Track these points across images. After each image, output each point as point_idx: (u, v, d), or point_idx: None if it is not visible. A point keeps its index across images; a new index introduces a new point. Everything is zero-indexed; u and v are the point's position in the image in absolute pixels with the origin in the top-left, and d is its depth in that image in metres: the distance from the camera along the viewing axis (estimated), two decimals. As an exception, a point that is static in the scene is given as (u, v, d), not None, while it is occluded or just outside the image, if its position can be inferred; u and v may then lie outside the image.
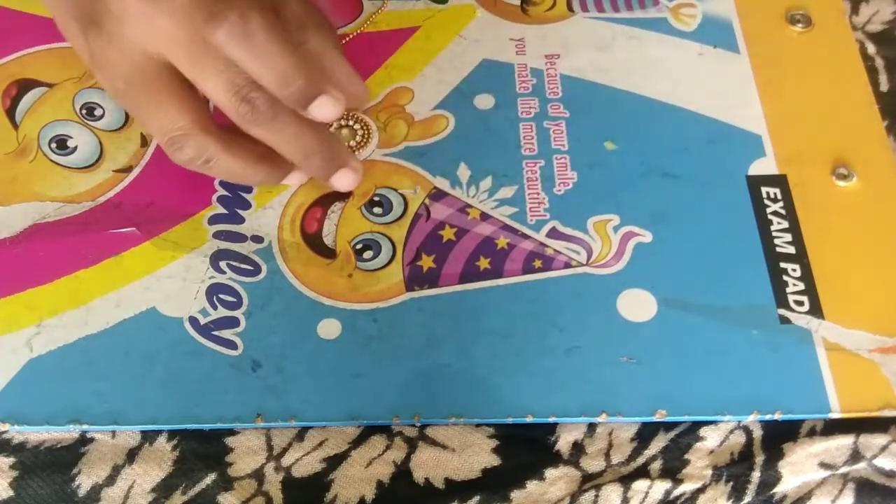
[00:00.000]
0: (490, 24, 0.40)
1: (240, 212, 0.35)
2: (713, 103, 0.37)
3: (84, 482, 0.30)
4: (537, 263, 0.34)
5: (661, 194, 0.35)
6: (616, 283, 0.33)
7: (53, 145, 0.37)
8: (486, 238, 0.34)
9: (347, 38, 0.40)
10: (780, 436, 0.31)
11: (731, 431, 0.31)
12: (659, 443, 0.31)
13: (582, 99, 0.38)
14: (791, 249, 0.34)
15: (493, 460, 0.31)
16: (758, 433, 0.31)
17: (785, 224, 0.34)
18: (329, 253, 0.34)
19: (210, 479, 0.31)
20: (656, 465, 0.31)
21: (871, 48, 0.40)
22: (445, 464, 0.31)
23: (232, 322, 0.32)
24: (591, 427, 0.31)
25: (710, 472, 0.31)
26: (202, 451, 0.31)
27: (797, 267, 0.33)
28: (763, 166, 0.36)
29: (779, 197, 0.35)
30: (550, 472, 0.31)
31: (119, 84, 0.30)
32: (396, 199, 0.35)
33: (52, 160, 0.36)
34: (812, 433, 0.31)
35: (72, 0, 0.30)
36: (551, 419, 0.31)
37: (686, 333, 0.32)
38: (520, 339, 0.32)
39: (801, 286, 0.33)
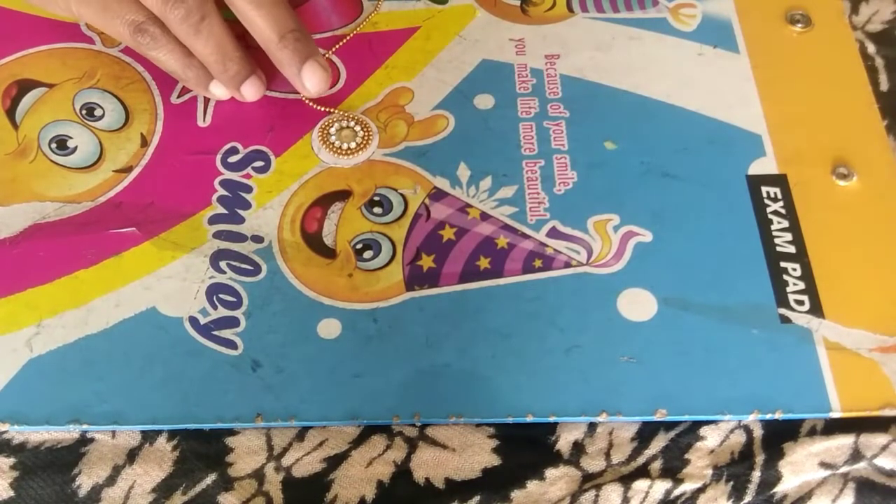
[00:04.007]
0: (490, 25, 0.40)
1: (240, 212, 0.35)
2: (713, 103, 0.37)
3: (84, 482, 0.30)
4: (537, 263, 0.34)
5: (661, 194, 0.35)
6: (616, 282, 0.33)
7: (53, 145, 0.37)
8: (486, 238, 0.34)
9: (346, 40, 0.40)
10: (780, 435, 0.31)
11: (732, 431, 0.31)
12: (659, 442, 0.31)
13: (582, 99, 0.38)
14: (791, 249, 0.34)
15: (494, 460, 0.31)
16: (758, 433, 0.31)
17: (785, 223, 0.34)
18: (329, 253, 0.34)
19: (210, 479, 0.31)
20: (656, 465, 0.31)
21: (871, 48, 0.40)
22: (446, 464, 0.31)
23: (232, 322, 0.32)
24: (592, 427, 0.31)
25: (710, 471, 0.31)
26: (202, 451, 0.31)
27: (797, 266, 0.33)
28: (763, 166, 0.36)
29: (779, 196, 0.35)
30: (551, 472, 0.31)
31: None
32: (396, 198, 0.35)
33: (52, 160, 0.36)
34: (812, 433, 0.31)
35: None
36: (551, 419, 0.31)
37: (686, 333, 0.32)
38: (520, 339, 0.32)
39: (802, 285, 0.33)
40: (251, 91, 0.37)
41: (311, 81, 0.36)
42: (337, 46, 0.39)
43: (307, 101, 0.38)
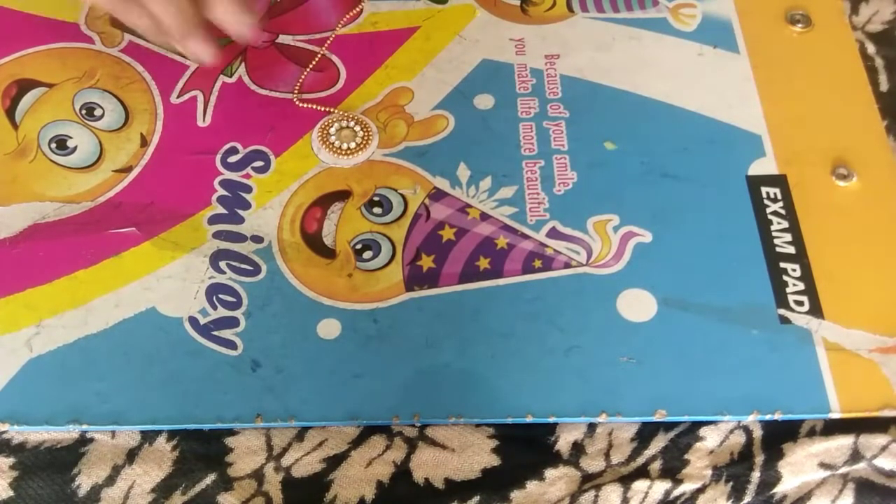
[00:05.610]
0: (490, 25, 0.40)
1: (239, 212, 0.35)
2: (713, 103, 0.37)
3: (84, 482, 0.30)
4: (537, 263, 0.34)
5: (661, 194, 0.35)
6: (616, 283, 0.33)
7: (53, 145, 0.37)
8: (486, 238, 0.34)
9: (333, 36, 0.39)
10: (780, 436, 0.31)
11: (731, 431, 0.31)
12: (659, 443, 0.31)
13: (582, 99, 0.38)
14: (791, 249, 0.34)
15: (493, 460, 0.31)
16: (758, 433, 0.31)
17: (785, 224, 0.34)
18: (329, 253, 0.34)
19: (210, 479, 0.31)
20: (656, 465, 0.31)
21: (871, 48, 0.40)
22: (445, 464, 0.31)
23: (232, 322, 0.32)
24: (591, 427, 0.31)
25: (709, 472, 0.31)
26: (202, 452, 0.31)
27: (797, 267, 0.33)
28: (763, 166, 0.36)
29: (779, 197, 0.35)
30: (550, 472, 0.31)
31: None
32: (396, 199, 0.35)
33: (51, 160, 0.36)
34: (812, 433, 0.31)
35: None
36: (551, 419, 0.31)
37: (686, 333, 0.32)
38: (520, 339, 0.32)
39: (801, 286, 0.33)
40: (201, 50, 0.34)
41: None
42: (328, 42, 0.39)
43: (300, 104, 0.38)
